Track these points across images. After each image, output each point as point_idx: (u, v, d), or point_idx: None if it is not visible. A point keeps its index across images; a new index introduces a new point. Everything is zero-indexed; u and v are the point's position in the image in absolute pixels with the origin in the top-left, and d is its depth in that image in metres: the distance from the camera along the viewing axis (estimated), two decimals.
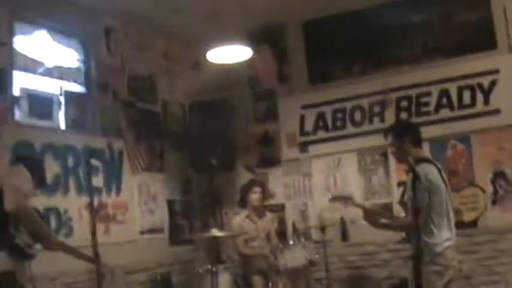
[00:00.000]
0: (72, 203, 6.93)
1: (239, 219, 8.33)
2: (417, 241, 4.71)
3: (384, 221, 6.12)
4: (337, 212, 8.29)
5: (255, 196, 8.26)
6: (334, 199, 7.78)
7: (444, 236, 5.30)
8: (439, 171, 5.50)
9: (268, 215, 8.47)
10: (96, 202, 5.16)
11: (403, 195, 7.12)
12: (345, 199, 7.17)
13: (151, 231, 8.40)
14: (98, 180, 7.26)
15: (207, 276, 7.12)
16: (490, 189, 7.80)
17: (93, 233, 4.36)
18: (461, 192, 7.86)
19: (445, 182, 5.51)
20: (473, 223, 7.83)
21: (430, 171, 5.37)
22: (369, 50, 8.59)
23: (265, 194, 8.54)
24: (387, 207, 8.08)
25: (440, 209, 5.32)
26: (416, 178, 4.79)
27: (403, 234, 5.68)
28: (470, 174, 7.90)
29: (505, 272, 7.61)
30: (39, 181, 5.19)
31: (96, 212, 4.44)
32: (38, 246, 5.01)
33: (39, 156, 6.57)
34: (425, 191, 5.20)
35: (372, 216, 6.03)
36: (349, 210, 7.44)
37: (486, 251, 7.71)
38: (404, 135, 5.65)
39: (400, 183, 8.11)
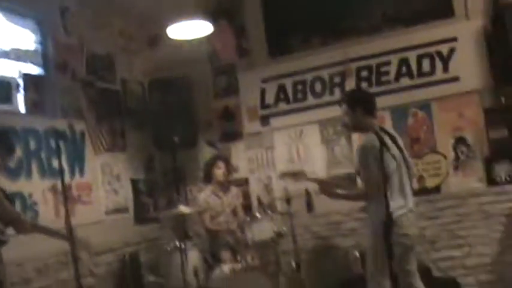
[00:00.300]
0: (36, 187, 6.83)
1: (204, 195, 8.33)
2: (386, 209, 4.75)
3: (339, 191, 6.17)
4: (301, 184, 8.33)
5: (219, 171, 8.27)
6: (284, 175, 7.84)
7: (397, 204, 5.26)
8: (393, 139, 5.51)
9: (233, 190, 8.49)
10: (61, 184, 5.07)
11: None
12: (296, 174, 7.23)
13: (117, 211, 8.34)
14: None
15: (176, 253, 7.13)
16: (451, 155, 7.93)
17: (67, 214, 4.32)
18: (423, 158, 7.97)
19: (401, 150, 5.52)
20: (436, 189, 7.96)
21: (377, 140, 5.39)
22: (328, 22, 8.60)
23: (229, 168, 8.55)
24: (350, 177, 8.09)
25: (391, 178, 5.32)
26: (383, 146, 4.83)
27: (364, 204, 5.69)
28: (431, 141, 8.01)
29: (467, 236, 7.78)
30: (7, 151, 5.05)
31: (66, 194, 4.38)
32: (9, 231, 4.96)
33: None
34: (373, 159, 5.24)
35: (327, 187, 6.08)
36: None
37: (449, 216, 7.87)
38: (357, 104, 5.69)
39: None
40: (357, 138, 8.26)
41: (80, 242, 5.12)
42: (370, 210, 5.49)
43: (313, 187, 7.64)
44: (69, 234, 4.59)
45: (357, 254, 7.58)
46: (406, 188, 5.49)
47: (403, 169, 5.51)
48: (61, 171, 4.56)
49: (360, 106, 5.67)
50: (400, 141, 5.69)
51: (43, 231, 5.27)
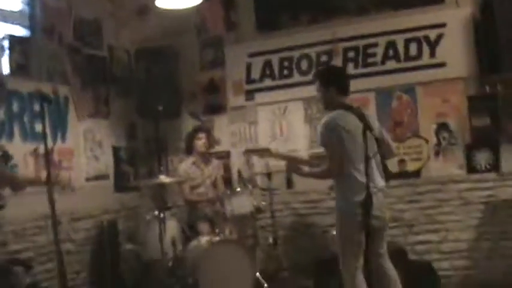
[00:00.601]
0: (17, 150, 6.78)
1: (185, 166, 8.35)
2: (366, 188, 4.79)
3: (306, 169, 6.20)
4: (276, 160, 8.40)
5: (200, 142, 8.27)
6: (249, 152, 7.88)
7: (364, 184, 5.07)
8: (361, 117, 5.40)
9: (214, 162, 8.52)
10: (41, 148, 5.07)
11: None
12: (261, 151, 7.26)
13: (97, 177, 8.36)
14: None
15: (154, 222, 7.17)
16: (433, 140, 7.96)
17: (48, 178, 4.32)
18: (405, 142, 8.01)
19: (370, 128, 5.41)
20: (417, 173, 8.00)
21: (343, 118, 5.40)
22: (317, 0, 8.57)
23: (211, 140, 8.55)
24: None
25: (357, 157, 5.21)
26: (366, 127, 4.86)
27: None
28: (414, 125, 8.04)
29: (446, 221, 7.84)
30: None
31: (48, 157, 4.37)
32: (5, 193, 4.95)
33: None
34: (335, 137, 5.30)
35: (294, 165, 6.12)
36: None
37: (428, 201, 7.93)
38: (330, 83, 5.67)
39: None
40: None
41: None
42: (336, 189, 5.52)
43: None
44: (50, 198, 4.57)
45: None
46: (374, 169, 5.37)
47: (373, 147, 5.33)
48: (44, 135, 4.54)
49: (334, 84, 5.65)
50: (374, 120, 5.70)
51: (36, 182, 5.25)
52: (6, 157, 5.34)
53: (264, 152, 7.27)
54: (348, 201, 5.25)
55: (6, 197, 4.94)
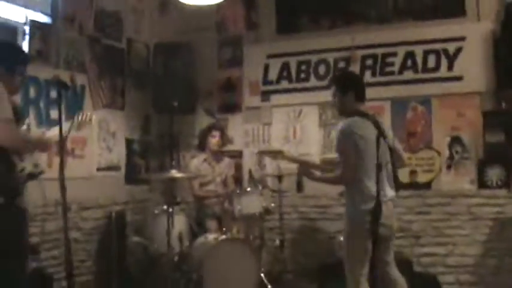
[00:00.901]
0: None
1: (197, 162, 8.39)
2: (376, 196, 4.79)
3: (317, 174, 6.21)
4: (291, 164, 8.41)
5: (213, 140, 8.32)
6: (262, 153, 7.88)
7: (375, 192, 5.04)
8: (376, 124, 5.42)
9: (226, 160, 8.55)
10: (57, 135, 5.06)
11: None
12: (274, 153, 7.26)
13: (108, 168, 8.39)
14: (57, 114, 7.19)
15: (162, 216, 7.18)
16: (446, 153, 7.93)
17: (61, 164, 4.34)
18: (418, 153, 7.99)
19: (383, 136, 5.42)
20: (428, 185, 7.98)
21: (359, 125, 5.38)
22: (338, 5, 8.56)
23: (224, 138, 8.59)
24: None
25: (370, 165, 5.16)
26: (381, 134, 4.87)
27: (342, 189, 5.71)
28: (428, 136, 8.01)
29: (453, 235, 7.81)
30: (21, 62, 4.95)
31: (63, 144, 4.39)
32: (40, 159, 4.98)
33: None
34: (351, 145, 5.27)
35: (305, 168, 6.11)
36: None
37: (437, 213, 7.89)
38: (348, 89, 5.64)
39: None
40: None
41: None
42: (346, 195, 5.52)
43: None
44: (61, 185, 4.60)
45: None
46: (388, 176, 5.43)
47: (386, 155, 5.40)
48: (60, 121, 4.55)
49: (351, 90, 5.63)
50: (388, 129, 5.70)
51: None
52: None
53: (277, 154, 7.29)
54: (357, 209, 5.26)
55: (41, 165, 4.97)
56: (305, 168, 6.12)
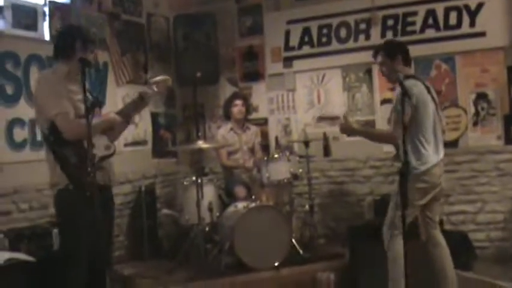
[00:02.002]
0: None
1: (223, 131, 8.43)
2: (404, 157, 4.83)
3: (369, 129, 6.22)
4: (319, 128, 8.42)
5: (237, 109, 8.34)
6: (321, 119, 7.87)
7: (431, 153, 5.45)
8: (428, 89, 5.58)
9: (252, 128, 8.56)
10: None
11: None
12: (333, 118, 7.25)
13: (136, 143, 8.45)
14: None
15: (192, 188, 7.23)
16: (471, 110, 7.88)
17: (89, 141, 4.38)
18: (443, 112, 7.89)
19: (434, 101, 5.59)
20: (455, 143, 7.91)
21: (416, 87, 5.47)
22: None
23: (248, 107, 8.60)
24: (370, 125, 8.18)
25: (427, 126, 5.46)
26: (404, 94, 4.86)
27: (395, 153, 5.72)
28: (453, 94, 7.95)
29: (482, 192, 7.78)
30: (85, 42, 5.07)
31: (89, 121, 4.44)
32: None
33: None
34: (410, 106, 5.29)
35: (348, 126, 6.00)
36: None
37: (465, 171, 7.86)
38: (397, 53, 5.73)
39: (384, 101, 8.23)
40: (377, 86, 8.31)
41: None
42: (401, 156, 5.52)
43: (333, 132, 7.71)
44: (90, 162, 4.65)
45: (370, 201, 7.64)
46: (439, 139, 5.61)
47: (437, 120, 5.60)
48: (85, 99, 4.59)
49: (400, 54, 5.73)
50: (434, 93, 5.72)
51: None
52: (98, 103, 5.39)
53: (335, 119, 7.25)
54: (414, 168, 5.30)
55: (113, 145, 5.08)
56: (347, 125, 6.03)
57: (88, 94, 4.69)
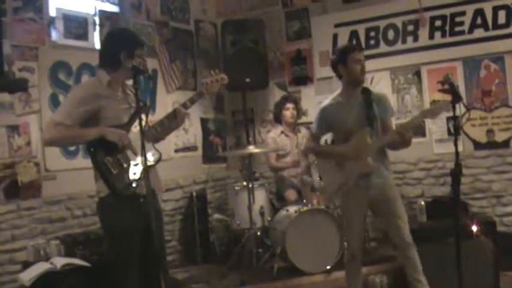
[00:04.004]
0: None
1: (273, 134, 8.46)
2: (456, 158, 4.81)
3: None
4: None
5: (288, 113, 8.35)
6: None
7: None
8: None
9: (303, 131, 8.53)
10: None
11: None
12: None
13: (186, 149, 8.56)
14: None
15: (243, 192, 7.29)
16: None
17: (143, 147, 4.43)
18: (493, 112, 7.84)
19: None
20: (506, 143, 7.80)
21: None
22: None
23: (298, 110, 8.60)
24: (420, 126, 8.13)
25: None
26: None
27: None
28: (503, 94, 7.84)
29: None
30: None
31: (143, 128, 4.48)
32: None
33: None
34: None
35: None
36: None
37: None
38: None
39: (433, 103, 8.17)
40: (426, 87, 8.25)
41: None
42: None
43: None
44: (144, 168, 4.70)
45: (422, 203, 7.58)
46: None
47: None
48: (138, 107, 4.66)
49: None
50: None
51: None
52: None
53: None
54: None
55: (157, 152, 5.11)
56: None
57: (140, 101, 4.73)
